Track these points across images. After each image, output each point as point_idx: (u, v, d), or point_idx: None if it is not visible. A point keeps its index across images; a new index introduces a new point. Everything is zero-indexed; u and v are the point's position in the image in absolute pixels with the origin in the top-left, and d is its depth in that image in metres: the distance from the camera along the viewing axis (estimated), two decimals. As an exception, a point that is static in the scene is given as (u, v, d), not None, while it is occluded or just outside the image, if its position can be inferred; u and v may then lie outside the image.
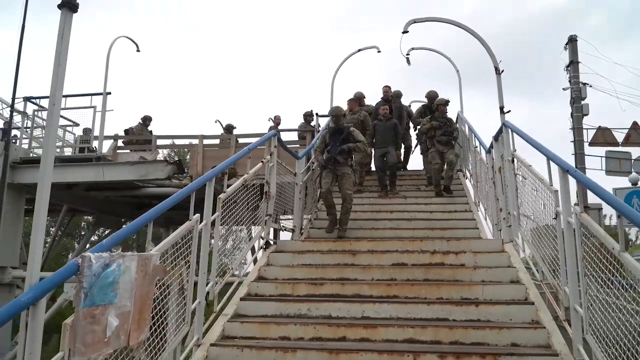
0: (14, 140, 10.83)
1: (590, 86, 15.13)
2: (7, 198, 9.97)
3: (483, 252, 5.30)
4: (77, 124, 12.48)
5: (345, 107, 9.67)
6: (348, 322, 4.17)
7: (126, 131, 13.52)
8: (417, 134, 10.22)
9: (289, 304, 4.52)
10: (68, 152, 12.67)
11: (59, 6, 2.57)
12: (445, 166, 8.41)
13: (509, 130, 5.42)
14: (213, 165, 9.84)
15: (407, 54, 11.65)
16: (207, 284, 4.22)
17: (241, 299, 4.63)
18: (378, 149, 8.89)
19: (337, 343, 3.93)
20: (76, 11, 2.59)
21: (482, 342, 3.82)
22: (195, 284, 4.02)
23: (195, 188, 3.95)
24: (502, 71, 6.38)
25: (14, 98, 10.54)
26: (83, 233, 24.46)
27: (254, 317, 4.42)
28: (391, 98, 9.85)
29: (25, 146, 11.03)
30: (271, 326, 4.16)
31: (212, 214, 4.26)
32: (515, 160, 5.33)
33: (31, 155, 10.86)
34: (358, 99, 10.00)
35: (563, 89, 15.35)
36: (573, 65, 15.15)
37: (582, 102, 15.00)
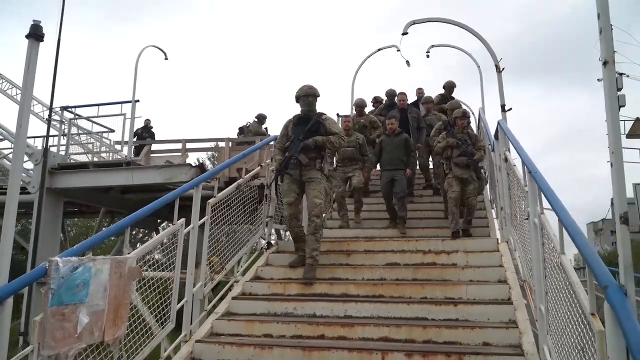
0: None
1: (627, 76, 14.53)
2: (46, 202, 10.68)
3: (476, 251, 5.32)
4: (112, 131, 13.19)
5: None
6: (329, 321, 4.31)
7: (240, 129, 13.99)
8: (432, 156, 8.62)
9: (277, 303, 4.71)
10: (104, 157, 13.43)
11: (27, 36, 2.86)
12: (467, 199, 6.56)
13: (502, 128, 5.42)
14: (238, 168, 10.27)
15: (427, 52, 11.66)
16: (197, 284, 4.49)
17: (233, 298, 4.86)
18: (385, 171, 7.23)
19: (315, 341, 4.09)
20: (42, 40, 2.88)
21: (455, 341, 3.88)
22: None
23: (179, 194, 4.22)
24: (503, 69, 6.33)
25: (51, 108, 11.26)
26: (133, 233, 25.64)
27: (243, 316, 4.64)
28: (407, 107, 8.56)
29: (63, 152, 11.73)
30: (256, 324, 4.37)
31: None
32: (507, 159, 5.32)
33: (68, 161, 11.58)
34: (359, 107, 8.76)
35: (598, 79, 14.79)
36: (608, 55, 14.58)
37: (619, 93, 14.44)
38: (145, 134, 15.34)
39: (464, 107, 8.12)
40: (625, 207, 1.89)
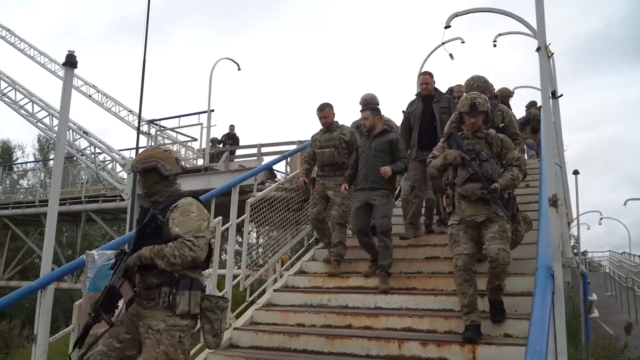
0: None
1: None
2: (137, 207, 11.83)
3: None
4: (195, 139, 14.28)
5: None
6: (358, 312, 4.51)
7: None
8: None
9: (314, 295, 4.96)
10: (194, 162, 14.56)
11: (63, 64, 3.39)
12: (487, 249, 3.62)
13: (543, 117, 5.26)
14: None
15: (493, 41, 11.34)
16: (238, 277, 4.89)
17: (275, 290, 5.19)
18: (358, 191, 5.00)
19: (342, 330, 4.30)
20: (76, 67, 3.40)
21: (476, 332, 3.89)
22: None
23: (216, 194, 4.64)
24: (552, 54, 6.05)
25: (139, 121, 12.46)
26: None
27: (281, 306, 4.95)
28: (433, 94, 5.75)
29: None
30: (290, 314, 4.66)
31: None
32: (549, 148, 5.15)
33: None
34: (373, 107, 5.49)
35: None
36: None
37: None
38: (228, 141, 16.31)
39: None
40: (554, 190, 1.92)
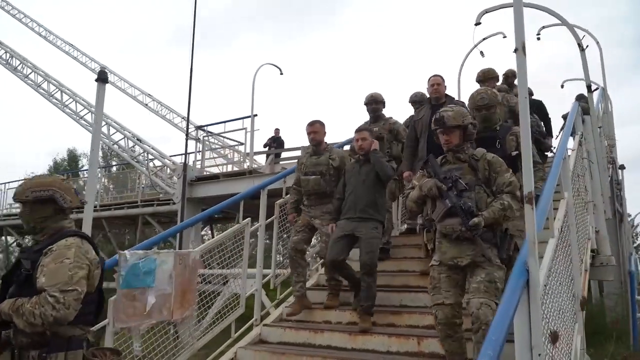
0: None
1: None
2: (187, 210, 12.38)
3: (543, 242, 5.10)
4: (242, 143, 14.72)
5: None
6: (382, 310, 4.58)
7: None
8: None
9: (341, 293, 5.08)
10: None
11: (96, 80, 3.70)
12: (469, 304, 3.00)
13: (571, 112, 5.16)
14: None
15: (537, 34, 11.04)
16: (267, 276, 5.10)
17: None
18: (344, 220, 4.40)
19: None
20: (107, 82, 3.69)
21: (496, 330, 3.90)
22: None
23: (244, 196, 4.86)
24: (587, 47, 5.91)
25: (187, 126, 13.01)
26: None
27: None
28: (444, 99, 5.07)
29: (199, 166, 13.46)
30: (317, 312, 4.81)
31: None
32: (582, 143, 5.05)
33: (204, 173, 13.24)
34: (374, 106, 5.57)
35: None
36: None
37: None
38: (273, 144, 16.67)
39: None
40: (531, 187, 1.97)
